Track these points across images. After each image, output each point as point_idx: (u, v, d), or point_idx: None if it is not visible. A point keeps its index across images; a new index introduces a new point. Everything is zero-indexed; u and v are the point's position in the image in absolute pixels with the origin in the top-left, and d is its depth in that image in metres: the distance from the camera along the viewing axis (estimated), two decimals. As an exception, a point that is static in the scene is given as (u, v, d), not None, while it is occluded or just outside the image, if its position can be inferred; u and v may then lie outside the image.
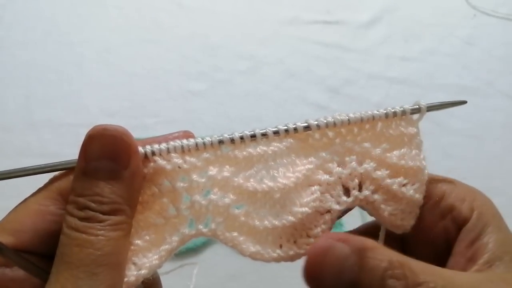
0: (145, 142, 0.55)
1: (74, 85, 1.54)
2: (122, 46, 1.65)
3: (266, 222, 0.56)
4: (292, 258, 0.57)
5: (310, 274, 0.50)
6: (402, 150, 0.59)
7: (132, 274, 0.53)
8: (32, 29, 1.66)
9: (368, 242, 0.51)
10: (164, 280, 0.66)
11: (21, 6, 1.70)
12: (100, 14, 1.72)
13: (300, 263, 0.52)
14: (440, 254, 0.58)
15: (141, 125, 1.45)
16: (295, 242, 0.57)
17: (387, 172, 0.58)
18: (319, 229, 0.57)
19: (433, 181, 0.60)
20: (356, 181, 0.57)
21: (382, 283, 0.48)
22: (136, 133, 0.53)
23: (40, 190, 0.55)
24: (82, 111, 1.49)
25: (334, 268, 0.49)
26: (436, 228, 0.59)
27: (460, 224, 0.57)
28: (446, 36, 1.70)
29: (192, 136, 0.57)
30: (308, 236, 0.57)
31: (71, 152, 1.48)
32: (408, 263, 0.49)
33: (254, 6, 1.78)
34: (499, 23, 1.73)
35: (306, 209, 0.56)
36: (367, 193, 0.57)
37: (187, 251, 1.21)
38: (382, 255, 0.49)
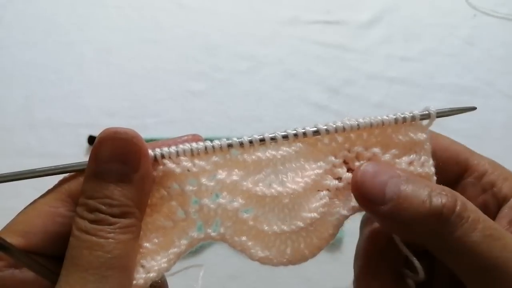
0: (154, 145, 0.55)
1: (74, 85, 1.54)
2: (122, 46, 1.64)
3: (274, 227, 0.56)
4: (299, 262, 0.57)
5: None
6: (411, 156, 0.59)
7: (141, 277, 0.53)
8: (32, 29, 1.66)
9: None
10: (168, 281, 0.66)
11: (21, 6, 1.70)
12: (100, 14, 1.71)
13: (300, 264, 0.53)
14: None
15: (141, 125, 1.45)
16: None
17: None
18: (326, 234, 0.57)
19: (478, 157, 0.61)
20: None
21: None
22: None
23: (49, 191, 0.55)
24: (82, 111, 1.48)
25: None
26: (476, 201, 0.58)
27: (501, 200, 0.58)
28: (446, 36, 1.70)
29: (201, 140, 0.57)
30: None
31: (71, 152, 1.48)
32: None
33: (254, 6, 1.77)
34: (499, 23, 1.73)
35: (315, 214, 0.56)
36: None
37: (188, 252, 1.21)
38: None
